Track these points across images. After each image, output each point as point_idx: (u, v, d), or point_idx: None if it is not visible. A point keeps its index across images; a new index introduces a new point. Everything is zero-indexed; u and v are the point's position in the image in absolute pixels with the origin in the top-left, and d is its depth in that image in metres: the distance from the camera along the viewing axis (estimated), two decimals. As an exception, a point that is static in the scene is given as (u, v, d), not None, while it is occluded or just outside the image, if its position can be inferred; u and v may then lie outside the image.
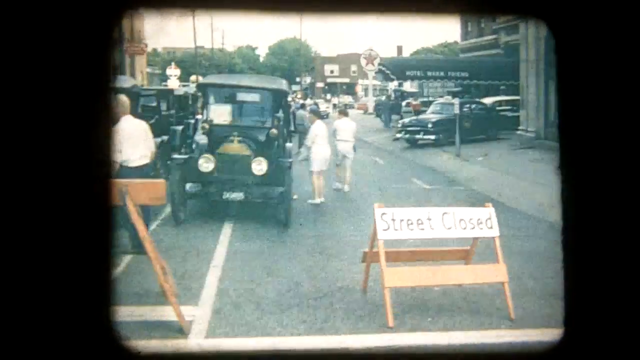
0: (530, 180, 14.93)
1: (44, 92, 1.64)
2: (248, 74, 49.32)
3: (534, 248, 9.03)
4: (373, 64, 41.68)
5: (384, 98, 48.87)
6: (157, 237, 8.44)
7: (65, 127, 1.66)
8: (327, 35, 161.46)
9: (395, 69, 34.50)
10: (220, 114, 11.70)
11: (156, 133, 13.53)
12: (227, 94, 12.12)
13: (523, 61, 23.67)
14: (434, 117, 24.72)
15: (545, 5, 1.77)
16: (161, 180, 7.37)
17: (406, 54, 68.45)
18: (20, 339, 1.70)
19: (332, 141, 13.90)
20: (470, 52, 39.79)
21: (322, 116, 13.60)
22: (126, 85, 11.97)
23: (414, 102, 32.33)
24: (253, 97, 12.08)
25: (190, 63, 67.31)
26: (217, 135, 10.97)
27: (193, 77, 53.12)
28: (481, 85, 34.14)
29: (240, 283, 7.46)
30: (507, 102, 27.85)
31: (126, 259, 8.26)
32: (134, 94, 12.28)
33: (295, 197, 11.17)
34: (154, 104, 15.55)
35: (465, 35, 42.30)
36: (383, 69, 35.85)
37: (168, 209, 10.70)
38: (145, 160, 8.73)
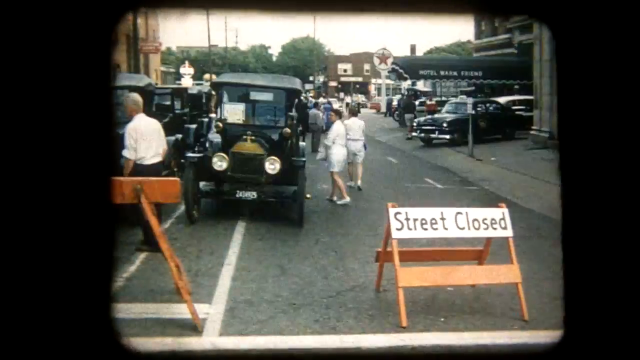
0: (543, 180, 14.87)
1: (44, 92, 1.65)
2: (262, 73, 49.42)
3: (548, 248, 9.00)
4: (386, 63, 41.69)
5: (398, 97, 48.91)
6: (171, 236, 8.49)
7: (66, 126, 1.67)
8: (340, 34, 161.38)
9: (408, 68, 34.47)
10: (234, 113, 11.73)
11: (170, 132, 13.62)
12: (241, 93, 12.14)
13: (537, 61, 23.55)
14: (449, 117, 24.68)
15: (545, 5, 1.77)
16: (176, 179, 7.42)
17: (419, 53, 68.34)
18: (20, 337, 1.71)
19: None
20: (483, 52, 39.67)
21: (342, 115, 13.45)
22: (141, 84, 12.01)
23: (429, 102, 32.22)
24: (267, 96, 12.10)
25: (204, 62, 67.56)
26: (231, 134, 11.00)
27: (207, 76, 53.35)
28: (494, 84, 34.03)
29: (254, 282, 7.48)
30: (521, 102, 27.75)
31: (141, 257, 8.32)
32: (149, 93, 12.32)
33: (308, 196, 11.17)
34: (168, 103, 15.62)
35: (478, 34, 42.18)
36: (396, 68, 35.85)
37: (182, 208, 10.75)
38: (158, 158, 8.79)
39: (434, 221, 6.63)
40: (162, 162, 9.06)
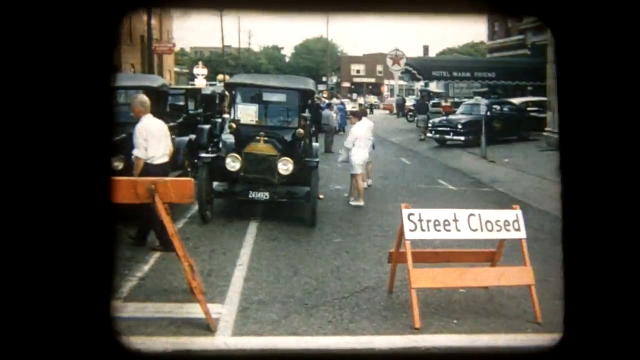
0: (557, 182, 14.77)
1: (46, 92, 1.66)
2: (275, 74, 49.46)
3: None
4: (399, 64, 41.58)
5: (411, 97, 48.91)
6: (184, 236, 8.51)
7: (67, 126, 1.68)
8: (353, 35, 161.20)
9: (421, 69, 34.40)
10: (247, 113, 11.76)
11: (184, 132, 13.69)
12: (254, 94, 12.16)
13: (550, 62, 23.43)
14: (464, 118, 24.62)
15: (545, 5, 1.77)
16: (189, 179, 7.46)
17: (432, 54, 68.19)
18: (20, 335, 1.71)
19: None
20: (497, 53, 39.51)
21: (362, 117, 13.38)
22: (155, 85, 12.07)
23: (445, 103, 32.10)
24: (280, 97, 12.13)
25: (217, 62, 67.71)
26: (244, 135, 11.03)
27: (220, 76, 53.47)
28: (508, 85, 33.88)
29: (266, 282, 7.49)
30: (534, 103, 27.62)
31: (155, 256, 8.36)
32: (163, 93, 12.39)
33: (321, 196, 11.18)
34: (182, 103, 15.67)
35: (492, 35, 42.03)
36: (409, 69, 35.77)
37: (195, 208, 10.79)
38: (166, 158, 8.90)
39: (446, 222, 6.63)
40: (169, 163, 9.13)
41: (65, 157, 1.68)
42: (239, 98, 12.04)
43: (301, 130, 11.20)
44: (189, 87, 22.42)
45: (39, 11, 1.65)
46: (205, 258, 8.36)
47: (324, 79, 76.69)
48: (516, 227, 6.67)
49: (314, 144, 13.09)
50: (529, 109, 27.20)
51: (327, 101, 30.01)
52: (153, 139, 8.58)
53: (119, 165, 9.71)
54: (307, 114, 12.19)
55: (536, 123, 25.03)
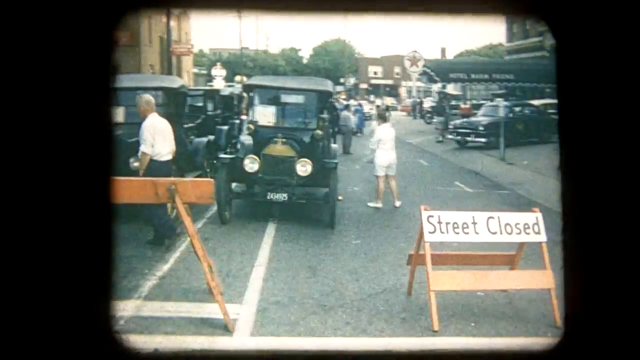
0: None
1: (46, 93, 1.67)
2: (293, 76, 49.56)
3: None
4: (417, 66, 41.47)
5: (430, 99, 48.88)
6: (202, 236, 8.57)
7: (67, 126, 1.69)
8: (371, 36, 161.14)
9: (439, 71, 34.21)
10: (265, 115, 11.79)
11: (202, 133, 13.77)
12: (273, 95, 12.20)
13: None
14: (486, 120, 24.50)
15: (545, 5, 1.77)
16: (210, 179, 7.51)
17: (450, 56, 67.97)
18: (19, 335, 1.72)
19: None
20: (515, 55, 39.30)
21: (387, 119, 13.33)
22: (174, 85, 12.15)
23: (463, 106, 31.90)
24: (298, 98, 12.15)
25: (235, 64, 67.95)
26: (262, 136, 11.07)
27: (238, 78, 53.63)
28: (526, 87, 33.66)
29: (284, 283, 7.51)
30: (553, 105, 27.44)
31: (175, 256, 8.42)
32: (182, 94, 12.47)
33: (340, 198, 11.19)
34: (201, 104, 15.77)
35: (510, 37, 41.83)
36: (427, 70, 35.64)
37: (214, 208, 10.84)
38: (170, 156, 9.04)
39: (465, 225, 6.60)
40: (172, 160, 9.24)
41: (65, 157, 1.69)
42: (257, 99, 12.07)
43: (319, 132, 11.21)
44: (208, 88, 22.51)
45: (38, 12, 1.66)
46: (224, 258, 8.40)
47: (341, 80, 76.63)
48: (536, 230, 6.63)
49: (333, 145, 13.10)
50: (548, 111, 27.02)
51: (344, 103, 30.02)
52: (160, 136, 8.74)
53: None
54: (325, 115, 12.19)
55: (555, 125, 24.81)
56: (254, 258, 8.56)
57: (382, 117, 13.29)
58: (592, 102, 1.75)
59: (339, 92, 37.55)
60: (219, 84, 39.63)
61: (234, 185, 11.20)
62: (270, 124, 11.58)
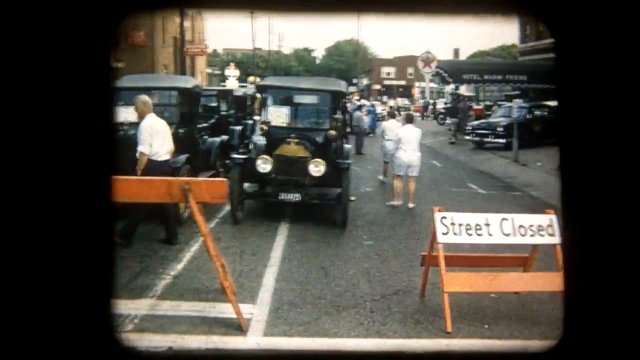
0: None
1: (47, 93, 1.67)
2: (306, 76, 49.58)
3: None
4: (430, 67, 41.40)
5: (442, 100, 48.84)
6: (215, 236, 8.59)
7: (67, 125, 1.69)
8: (384, 37, 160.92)
9: (452, 71, 34.16)
10: (278, 115, 11.81)
11: (216, 133, 13.81)
12: (286, 96, 12.22)
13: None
14: (504, 121, 24.42)
15: (545, 5, 1.76)
16: (223, 179, 7.54)
17: (463, 56, 67.80)
18: (19, 334, 1.72)
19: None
20: (528, 56, 39.10)
21: (411, 120, 13.48)
22: (188, 85, 12.20)
23: (476, 107, 31.67)
24: (312, 99, 12.16)
25: (248, 64, 68.08)
26: (275, 137, 11.08)
27: (251, 78, 53.76)
28: (539, 89, 33.49)
29: (297, 283, 7.52)
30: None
31: (188, 255, 8.45)
32: (196, 94, 12.51)
33: (352, 198, 11.18)
34: (214, 104, 15.81)
35: (523, 38, 41.64)
36: (440, 71, 35.55)
37: (226, 208, 10.87)
38: (168, 156, 9.12)
39: (478, 227, 6.59)
40: (170, 160, 9.32)
41: (64, 157, 1.70)
42: (270, 100, 12.09)
43: (333, 132, 11.21)
44: (221, 88, 22.57)
45: (39, 13, 1.66)
46: (236, 258, 8.42)
47: (354, 81, 76.64)
48: (550, 232, 6.59)
49: (346, 146, 13.10)
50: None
51: (357, 103, 30.00)
52: (157, 136, 8.83)
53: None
54: (339, 115, 12.20)
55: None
56: (266, 258, 8.57)
57: (409, 119, 13.39)
58: (590, 101, 1.75)
59: (351, 93, 37.53)
60: (232, 84, 39.72)
61: (246, 185, 11.22)
62: (284, 124, 11.60)
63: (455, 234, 6.52)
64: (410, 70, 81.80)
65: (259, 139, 11.85)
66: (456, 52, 67.63)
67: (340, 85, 12.77)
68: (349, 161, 11.46)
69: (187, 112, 11.97)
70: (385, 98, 68.26)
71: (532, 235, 6.62)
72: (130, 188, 6.45)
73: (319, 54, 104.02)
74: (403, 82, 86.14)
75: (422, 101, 52.70)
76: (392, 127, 14.71)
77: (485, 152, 23.87)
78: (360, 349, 5.68)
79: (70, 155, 1.71)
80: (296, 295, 7.05)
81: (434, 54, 41.81)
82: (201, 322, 6.14)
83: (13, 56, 1.67)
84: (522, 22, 37.70)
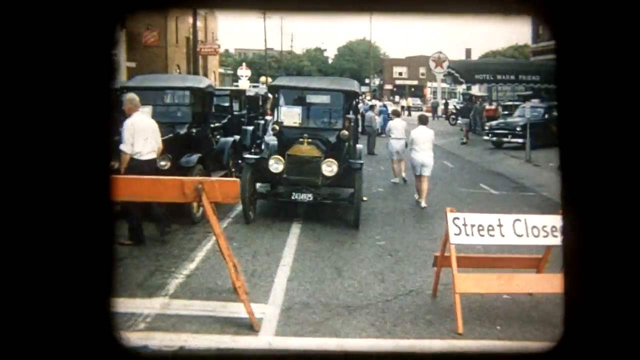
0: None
1: (46, 93, 1.67)
2: (318, 76, 49.64)
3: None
4: (442, 67, 41.28)
5: (454, 101, 48.79)
6: (227, 236, 8.60)
7: (67, 125, 1.70)
8: (396, 37, 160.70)
9: (464, 71, 34.04)
10: (290, 115, 11.81)
11: (228, 133, 13.86)
12: (298, 96, 12.23)
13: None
14: (523, 121, 24.36)
15: (544, 5, 1.76)
16: (235, 179, 7.56)
17: (475, 56, 67.55)
18: (18, 336, 1.73)
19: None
20: (541, 56, 38.90)
21: (425, 121, 13.76)
22: (201, 85, 12.24)
23: (488, 107, 31.44)
24: (324, 99, 12.16)
25: (260, 64, 68.19)
26: (287, 137, 11.09)
27: (263, 78, 53.81)
28: (552, 89, 33.30)
29: (309, 283, 7.52)
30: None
31: (200, 255, 8.48)
32: (209, 94, 12.55)
33: (365, 198, 11.18)
34: (227, 104, 15.85)
35: (536, 38, 41.44)
36: (452, 71, 35.45)
37: (238, 208, 10.90)
38: (154, 154, 9.11)
39: (490, 227, 6.56)
40: (156, 159, 9.31)
41: (64, 156, 1.71)
42: (282, 100, 12.10)
43: (346, 132, 11.21)
44: (234, 88, 22.64)
45: (38, 12, 1.67)
46: (248, 258, 8.44)
47: (366, 81, 76.55)
48: (563, 233, 6.55)
49: (358, 146, 13.10)
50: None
51: (369, 103, 29.98)
52: (140, 135, 8.82)
53: (165, 165, 9.90)
54: (351, 115, 12.20)
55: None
56: (278, 258, 8.59)
57: (422, 120, 13.66)
58: (591, 102, 1.75)
59: (363, 93, 37.53)
60: (244, 84, 39.80)
61: (258, 185, 11.25)
62: (296, 124, 11.61)
63: (467, 234, 6.51)
64: (422, 70, 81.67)
65: (271, 139, 11.86)
66: (468, 52, 67.35)
67: (353, 85, 12.77)
68: (361, 161, 11.46)
69: (200, 112, 12.01)
70: (397, 98, 68.16)
71: (545, 236, 6.59)
72: (143, 188, 6.49)
73: (331, 54, 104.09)
74: (415, 82, 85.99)
75: (431, 102, 52.68)
76: (398, 126, 15.73)
77: (498, 152, 23.81)
78: (371, 350, 5.68)
79: (69, 154, 1.72)
80: (308, 295, 7.06)
81: (446, 54, 41.73)
82: (213, 322, 6.17)
83: (11, 53, 1.68)
84: (534, 22, 37.50)
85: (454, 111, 42.42)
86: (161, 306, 6.52)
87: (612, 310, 1.78)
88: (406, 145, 15.10)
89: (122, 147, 8.66)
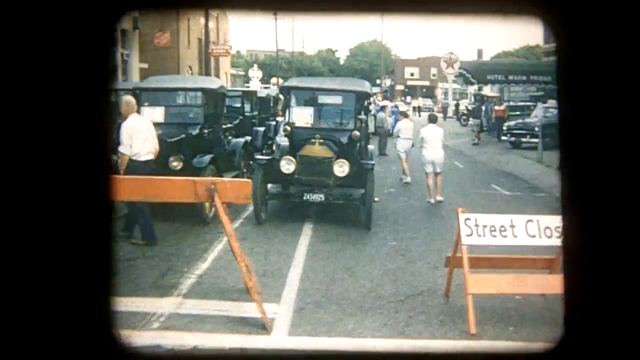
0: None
1: (45, 92, 1.67)
2: (330, 77, 49.61)
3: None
4: (453, 68, 41.17)
5: (465, 102, 48.70)
6: (239, 236, 8.61)
7: (66, 125, 1.70)
8: (407, 38, 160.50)
9: (476, 72, 33.91)
10: (302, 116, 11.82)
11: (240, 134, 13.89)
12: (310, 97, 12.24)
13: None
14: (540, 121, 24.28)
15: (545, 6, 1.76)
16: (247, 180, 7.59)
17: (486, 57, 67.34)
18: (18, 336, 1.73)
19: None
20: (553, 56, 38.70)
21: (434, 120, 14.20)
22: (213, 86, 12.28)
23: (497, 108, 31.27)
24: (336, 99, 12.17)
25: (271, 66, 68.24)
26: (299, 138, 11.10)
27: (274, 80, 53.85)
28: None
29: (321, 283, 7.53)
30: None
31: (212, 255, 8.51)
32: (221, 95, 12.59)
33: (376, 199, 11.17)
34: (238, 105, 15.89)
35: (547, 38, 41.27)
36: (463, 72, 35.34)
37: (250, 208, 10.92)
38: (151, 156, 9.13)
39: (503, 228, 6.54)
40: (153, 160, 9.29)
41: (63, 156, 1.71)
42: (294, 101, 12.12)
43: (357, 133, 11.20)
44: (245, 89, 22.70)
45: (37, 11, 1.68)
46: (260, 258, 8.45)
47: (378, 81, 76.47)
48: (577, 233, 6.52)
49: (369, 147, 13.11)
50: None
51: (381, 104, 29.96)
52: (138, 136, 8.87)
53: (178, 165, 9.95)
54: (363, 116, 12.19)
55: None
56: (290, 258, 8.60)
57: (432, 119, 14.04)
58: (592, 102, 1.75)
59: (375, 94, 37.49)
60: (255, 85, 39.85)
61: (270, 186, 11.27)
62: (308, 125, 11.62)
63: (479, 235, 6.49)
64: (433, 71, 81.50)
65: (283, 140, 11.88)
66: (480, 52, 67.18)
67: (365, 86, 12.77)
68: (373, 162, 11.45)
69: (212, 112, 12.06)
70: (409, 99, 68.07)
71: (558, 237, 6.56)
72: (156, 188, 6.53)
73: (342, 54, 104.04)
74: (426, 83, 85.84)
75: (442, 102, 52.62)
76: (407, 126, 16.45)
77: (510, 153, 23.75)
78: (384, 350, 5.68)
79: (67, 153, 1.72)
80: (320, 295, 7.06)
81: (457, 55, 41.62)
82: (226, 322, 6.19)
83: (10, 52, 1.68)
84: (538, 23, 37.25)
85: (465, 112, 42.29)
86: (174, 306, 6.55)
87: (612, 311, 1.78)
88: (413, 145, 15.94)
89: (121, 148, 8.74)
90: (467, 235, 6.47)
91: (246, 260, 6.44)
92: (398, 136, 16.47)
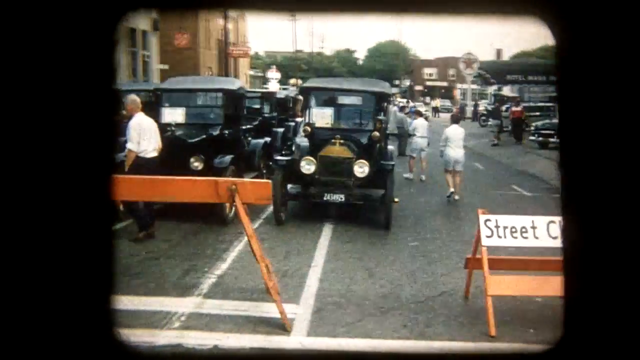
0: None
1: (47, 92, 1.68)
2: (349, 78, 49.63)
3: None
4: (472, 68, 41.09)
5: (484, 102, 48.46)
6: (259, 237, 8.65)
7: (67, 125, 1.71)
8: (426, 38, 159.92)
9: (495, 73, 33.84)
10: (322, 117, 11.84)
11: (260, 134, 13.95)
12: (329, 97, 12.25)
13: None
14: None
15: (545, 5, 1.76)
16: (268, 181, 7.60)
17: (505, 57, 66.97)
18: (19, 336, 1.75)
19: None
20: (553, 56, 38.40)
21: (457, 120, 14.94)
22: (233, 87, 12.34)
23: (515, 109, 31.08)
24: (355, 100, 12.18)
25: (289, 67, 68.38)
26: (319, 138, 11.11)
27: (292, 80, 53.97)
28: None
29: (341, 284, 7.54)
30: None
31: (232, 255, 8.56)
32: (241, 96, 12.64)
33: (396, 200, 11.15)
34: (258, 106, 15.95)
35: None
36: (482, 73, 35.27)
37: (270, 209, 10.96)
38: (155, 153, 9.30)
39: (524, 229, 6.51)
40: (158, 157, 9.43)
41: (65, 156, 1.73)
42: (313, 102, 12.13)
43: (377, 133, 11.20)
44: (265, 90, 22.77)
45: (37, 11, 1.69)
46: (280, 259, 8.48)
47: (396, 82, 76.35)
48: (599, 235, 6.48)
49: (389, 147, 13.10)
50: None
51: (400, 104, 29.90)
52: (144, 134, 9.08)
53: (198, 165, 10.02)
54: (382, 116, 12.19)
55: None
56: (310, 258, 8.62)
57: (455, 119, 14.83)
58: (592, 102, 1.75)
59: (394, 94, 37.48)
60: (274, 86, 39.95)
61: (289, 186, 11.29)
62: (327, 126, 11.63)
63: (499, 236, 6.47)
64: (452, 71, 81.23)
65: (302, 141, 11.89)
66: (498, 52, 66.86)
67: (384, 87, 12.76)
68: (393, 162, 11.45)
69: (232, 113, 12.11)
70: (428, 99, 67.89)
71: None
72: (177, 188, 6.57)
73: (360, 54, 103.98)
74: (445, 83, 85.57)
75: (460, 103, 52.42)
76: (423, 125, 17.20)
77: (529, 154, 23.59)
78: (403, 351, 5.67)
79: (70, 152, 1.74)
80: (340, 296, 7.07)
81: (476, 55, 41.48)
82: (246, 321, 6.22)
83: (11, 56, 1.70)
84: (538, 23, 37.02)
85: (485, 112, 42.08)
86: (195, 305, 6.60)
87: (611, 312, 1.78)
88: (428, 144, 16.77)
89: (129, 145, 8.95)
90: (487, 237, 6.45)
91: (266, 261, 6.47)
92: (414, 135, 17.15)
